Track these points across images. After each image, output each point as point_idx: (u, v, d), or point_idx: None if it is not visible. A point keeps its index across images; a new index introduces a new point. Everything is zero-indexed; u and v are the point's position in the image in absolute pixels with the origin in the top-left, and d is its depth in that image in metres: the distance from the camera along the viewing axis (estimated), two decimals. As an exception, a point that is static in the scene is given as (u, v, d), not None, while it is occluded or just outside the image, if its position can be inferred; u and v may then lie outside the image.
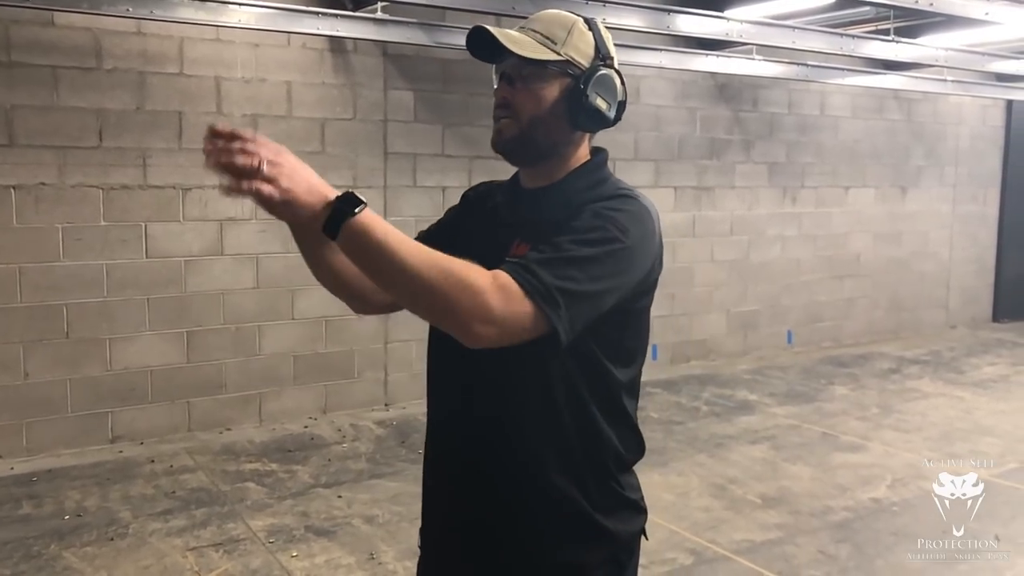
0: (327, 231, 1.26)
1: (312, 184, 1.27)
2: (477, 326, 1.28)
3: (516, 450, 1.51)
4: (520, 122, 1.52)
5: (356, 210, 1.25)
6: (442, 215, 1.79)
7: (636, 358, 1.58)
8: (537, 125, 1.51)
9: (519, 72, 1.51)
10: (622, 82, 1.56)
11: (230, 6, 4.76)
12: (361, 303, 1.75)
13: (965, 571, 3.68)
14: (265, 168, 1.22)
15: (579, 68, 1.51)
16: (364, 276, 1.43)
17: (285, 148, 1.26)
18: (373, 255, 1.27)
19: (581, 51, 1.52)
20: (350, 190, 1.27)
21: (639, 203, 1.49)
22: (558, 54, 1.50)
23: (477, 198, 1.73)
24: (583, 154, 1.59)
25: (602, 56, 1.54)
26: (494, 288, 1.29)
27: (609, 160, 1.62)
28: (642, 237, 1.45)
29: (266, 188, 1.22)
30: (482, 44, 1.51)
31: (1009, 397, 6.62)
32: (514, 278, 1.31)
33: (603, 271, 1.38)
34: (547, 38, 1.51)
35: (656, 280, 1.54)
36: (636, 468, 1.63)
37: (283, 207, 1.24)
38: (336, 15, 5.13)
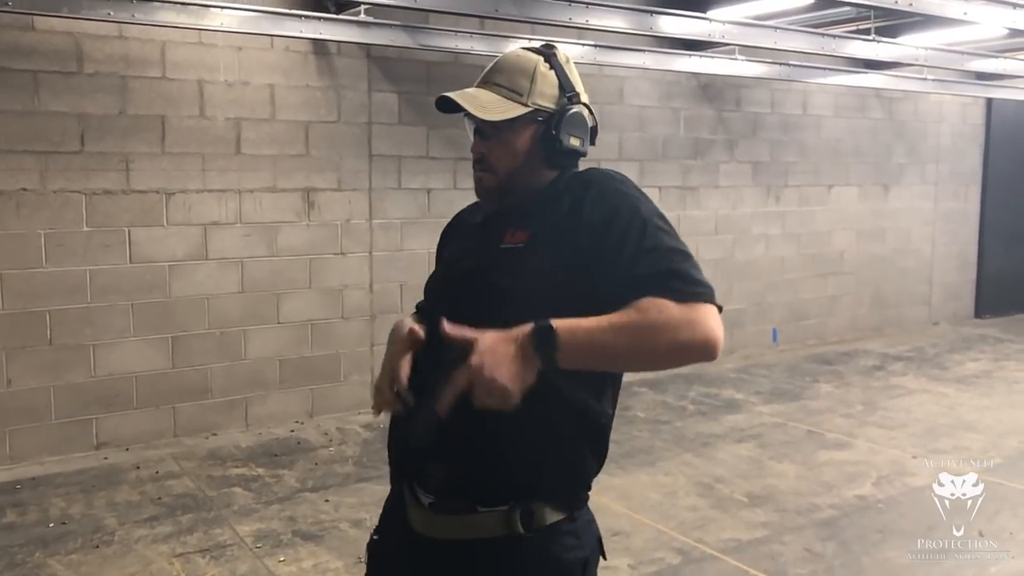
0: (549, 367, 1.32)
1: (511, 353, 1.31)
2: (706, 355, 1.38)
3: (494, 451, 1.51)
4: (498, 175, 1.59)
5: (556, 341, 1.31)
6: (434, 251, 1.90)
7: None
8: (514, 175, 1.58)
9: (492, 128, 1.56)
10: (590, 111, 1.61)
11: (212, 9, 4.74)
12: None
13: (951, 568, 3.71)
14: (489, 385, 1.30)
15: (547, 112, 1.56)
16: None
17: (487, 340, 1.31)
18: (593, 361, 1.37)
19: (547, 95, 1.57)
20: (534, 326, 1.32)
21: (606, 172, 1.54)
22: (525, 105, 1.55)
23: (459, 221, 1.81)
24: (553, 172, 1.64)
25: (567, 93, 1.58)
26: (690, 320, 1.35)
27: (594, 161, 1.65)
28: (633, 184, 1.53)
29: (502, 397, 1.30)
30: (452, 107, 1.57)
31: (992, 393, 6.68)
32: (680, 300, 1.36)
33: (668, 228, 1.46)
34: (512, 91, 1.56)
35: None
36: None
37: (524, 387, 1.32)
38: (319, 18, 5.11)
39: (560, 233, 1.47)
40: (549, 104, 1.56)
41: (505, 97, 1.55)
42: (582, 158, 1.62)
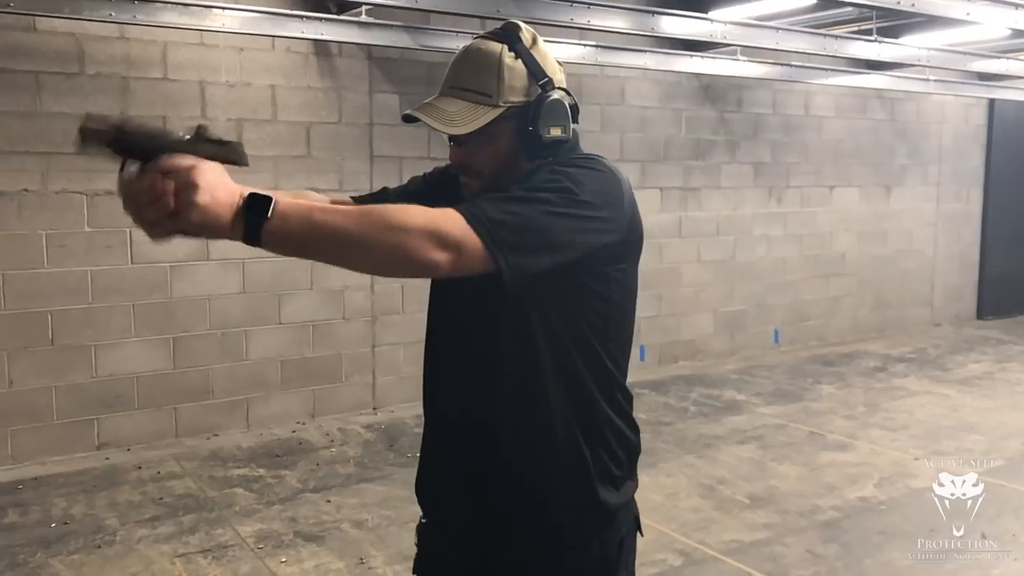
0: (249, 242, 1.21)
1: (219, 198, 1.18)
2: (432, 252, 1.25)
3: (513, 437, 1.52)
4: (483, 177, 1.54)
5: (268, 214, 1.19)
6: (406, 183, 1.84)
7: (622, 344, 1.59)
8: (499, 172, 1.52)
9: (466, 135, 1.49)
10: (567, 92, 1.54)
11: (214, 10, 4.74)
12: None
13: (953, 569, 3.70)
14: (170, 204, 1.16)
15: (521, 106, 1.49)
16: None
17: (200, 173, 1.17)
18: (306, 246, 1.24)
19: (517, 89, 1.49)
20: (252, 192, 1.20)
21: (603, 164, 1.48)
22: (496, 106, 1.47)
23: (441, 184, 1.75)
24: None
25: (539, 81, 1.50)
26: (441, 216, 1.27)
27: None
28: (605, 196, 1.42)
29: (170, 228, 1.19)
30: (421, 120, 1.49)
31: (994, 394, 6.67)
32: (457, 210, 1.29)
33: (557, 217, 1.35)
34: (480, 93, 1.47)
35: (634, 246, 1.53)
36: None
37: (199, 237, 1.21)
38: (320, 18, 5.11)
39: None
40: (521, 97, 1.49)
41: (473, 102, 1.47)
42: (566, 143, 1.54)
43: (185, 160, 1.17)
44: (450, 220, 1.27)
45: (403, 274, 1.31)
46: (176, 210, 1.16)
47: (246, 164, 1.25)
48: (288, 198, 1.25)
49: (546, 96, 1.49)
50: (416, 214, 1.26)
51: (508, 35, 1.51)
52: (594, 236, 1.40)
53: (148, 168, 1.17)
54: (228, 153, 1.23)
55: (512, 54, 1.49)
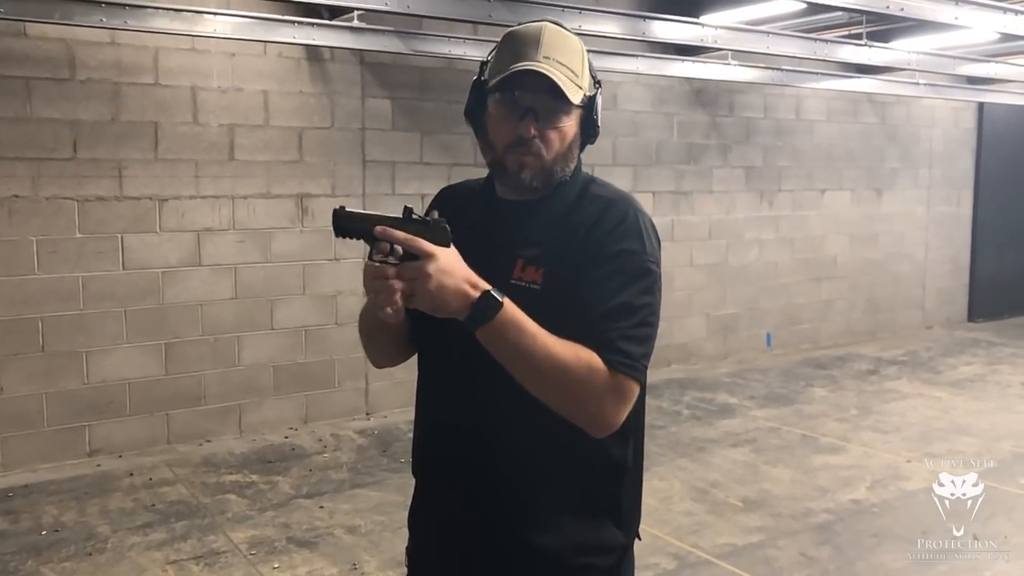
0: (468, 325, 1.35)
1: (458, 290, 1.33)
2: (596, 430, 1.43)
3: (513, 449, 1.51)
4: (544, 160, 1.49)
5: (494, 313, 1.34)
6: None
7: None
8: (559, 159, 1.51)
9: (551, 111, 1.47)
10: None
11: (205, 15, 4.73)
12: (388, 361, 1.75)
13: (946, 571, 3.71)
14: (401, 293, 1.33)
15: (589, 96, 1.52)
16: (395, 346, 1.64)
17: (433, 262, 1.32)
18: (503, 355, 1.37)
19: (588, 81, 1.53)
20: (489, 291, 1.35)
21: (643, 211, 1.53)
22: (581, 88, 1.49)
23: (451, 212, 1.64)
24: None
25: (594, 77, 1.55)
26: (608, 391, 1.39)
27: (587, 166, 1.62)
28: (659, 248, 1.53)
29: (410, 303, 1.34)
30: (518, 82, 1.45)
31: (985, 396, 6.69)
32: (618, 370, 1.40)
33: (658, 307, 1.49)
34: (572, 72, 1.47)
35: None
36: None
37: (434, 313, 1.35)
38: (313, 24, 5.11)
39: (575, 271, 1.46)
40: (588, 89, 1.52)
41: (569, 79, 1.46)
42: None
43: (424, 246, 1.32)
44: (626, 383, 1.41)
45: (575, 422, 1.43)
46: (410, 293, 1.33)
47: (448, 245, 1.36)
48: (519, 312, 1.37)
49: (599, 91, 1.55)
50: (608, 381, 1.40)
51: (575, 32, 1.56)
52: (661, 297, 1.52)
53: (377, 249, 1.35)
54: (430, 233, 1.36)
55: (583, 47, 1.53)
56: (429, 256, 1.31)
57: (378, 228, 1.33)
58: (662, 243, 1.55)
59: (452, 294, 1.32)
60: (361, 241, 1.36)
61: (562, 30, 1.51)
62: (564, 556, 1.51)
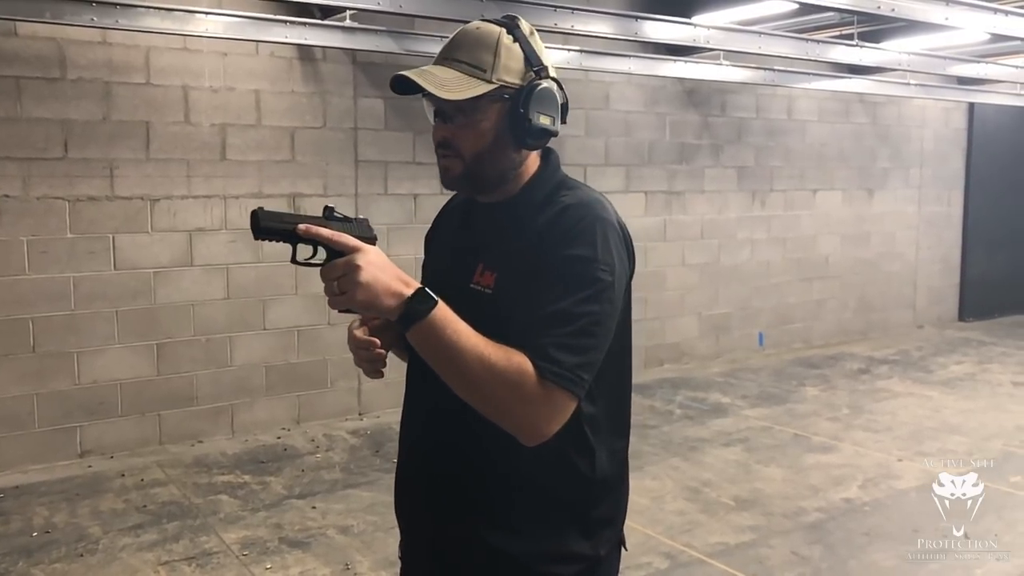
0: (401, 327, 1.34)
1: (390, 287, 1.31)
2: (525, 438, 1.38)
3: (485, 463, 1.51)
4: (464, 159, 1.47)
5: (427, 311, 1.31)
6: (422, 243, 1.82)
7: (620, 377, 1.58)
8: (481, 158, 1.47)
9: (454, 109, 1.45)
10: (560, 87, 1.51)
11: (197, 15, 4.72)
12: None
13: (937, 570, 3.73)
14: (336, 289, 1.31)
15: (514, 88, 1.45)
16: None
17: (362, 255, 1.30)
18: (433, 356, 1.35)
19: (512, 70, 1.45)
20: (423, 289, 1.33)
21: (603, 218, 1.45)
22: (489, 82, 1.43)
23: (445, 215, 1.74)
24: (533, 163, 1.55)
25: (534, 67, 1.47)
26: (537, 399, 1.35)
27: (580, 166, 1.62)
28: (619, 259, 1.44)
29: (342, 303, 1.32)
30: (409, 87, 1.44)
31: (976, 395, 6.72)
32: (547, 378, 1.35)
33: (604, 318, 1.41)
34: (474, 67, 1.43)
35: (630, 283, 1.53)
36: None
37: (367, 312, 1.34)
38: (305, 23, 5.10)
39: (525, 276, 1.42)
40: (515, 80, 1.44)
41: (467, 74, 1.42)
42: (553, 137, 1.50)
43: (350, 241, 1.32)
44: (556, 393, 1.36)
45: (504, 428, 1.39)
46: (340, 292, 1.31)
47: (374, 242, 1.38)
48: (451, 313, 1.34)
49: (539, 82, 1.46)
50: (537, 388, 1.35)
51: (508, 21, 1.49)
52: (619, 303, 1.45)
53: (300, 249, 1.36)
54: (356, 230, 1.38)
55: (510, 37, 1.46)
56: (356, 249, 1.30)
57: (301, 226, 1.32)
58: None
59: (384, 289, 1.30)
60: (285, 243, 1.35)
61: (480, 26, 1.48)
62: (524, 561, 1.49)
